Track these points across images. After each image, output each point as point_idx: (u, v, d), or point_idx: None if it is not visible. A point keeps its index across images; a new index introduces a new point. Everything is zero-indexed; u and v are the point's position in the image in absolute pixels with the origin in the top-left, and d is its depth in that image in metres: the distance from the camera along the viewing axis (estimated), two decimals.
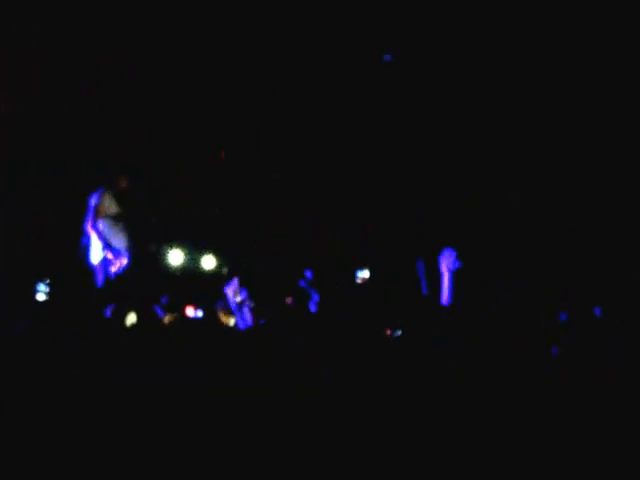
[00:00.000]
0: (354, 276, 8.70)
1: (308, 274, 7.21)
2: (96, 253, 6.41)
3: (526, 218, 8.79)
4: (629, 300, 6.81)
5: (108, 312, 5.97)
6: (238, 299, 6.16)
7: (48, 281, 6.57)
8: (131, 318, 6.30)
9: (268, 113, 9.01)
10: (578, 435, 3.77)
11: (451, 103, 8.94)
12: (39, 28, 8.01)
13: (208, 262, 7.89)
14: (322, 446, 3.59)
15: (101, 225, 6.42)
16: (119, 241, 6.51)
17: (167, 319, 6.14)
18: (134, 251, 6.61)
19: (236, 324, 6.41)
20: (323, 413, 4.03)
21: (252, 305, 6.43)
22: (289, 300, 6.91)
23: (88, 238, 6.46)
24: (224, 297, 6.36)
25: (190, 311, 6.85)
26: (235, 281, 6.12)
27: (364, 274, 8.83)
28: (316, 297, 6.93)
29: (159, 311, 6.42)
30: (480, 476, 3.41)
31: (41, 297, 6.72)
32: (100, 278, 6.31)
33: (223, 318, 6.49)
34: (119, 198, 6.61)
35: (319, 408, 4.10)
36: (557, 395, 4.40)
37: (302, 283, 7.12)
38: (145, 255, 6.86)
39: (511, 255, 8.62)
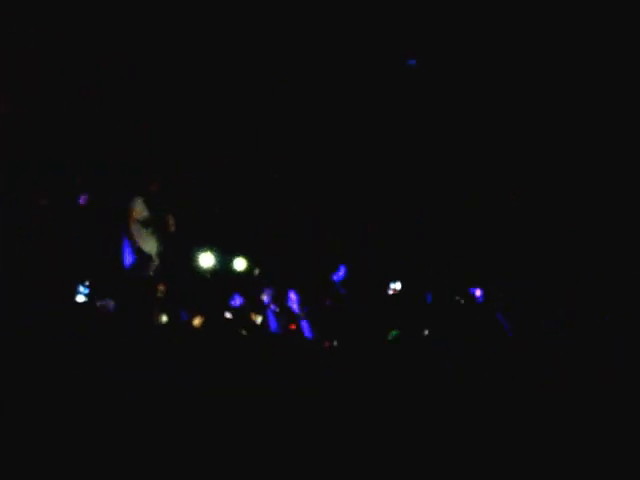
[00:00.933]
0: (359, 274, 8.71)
1: (341, 271, 7.23)
2: (127, 258, 6.41)
3: (526, 218, 8.79)
4: (629, 300, 6.80)
5: (138, 315, 6.00)
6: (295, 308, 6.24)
7: (87, 283, 6.52)
8: (162, 320, 6.31)
9: (280, 114, 9.03)
10: (578, 434, 3.77)
11: (452, 104, 8.94)
12: (39, 28, 8.00)
13: (239, 265, 7.80)
14: (334, 442, 3.60)
15: (132, 229, 6.42)
16: (149, 245, 6.51)
17: (196, 322, 6.14)
18: (164, 255, 6.61)
19: (265, 325, 6.44)
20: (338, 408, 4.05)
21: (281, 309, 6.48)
22: (327, 302, 6.94)
23: (119, 243, 6.46)
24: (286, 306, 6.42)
25: (219, 313, 6.83)
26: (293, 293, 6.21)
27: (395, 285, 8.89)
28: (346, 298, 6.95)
29: (186, 314, 6.42)
30: (480, 476, 3.41)
31: (80, 299, 6.65)
32: (131, 282, 6.32)
33: (252, 319, 6.52)
34: (150, 203, 6.59)
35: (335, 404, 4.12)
36: (557, 395, 4.40)
37: (335, 279, 7.13)
38: (175, 259, 6.84)
39: (511, 255, 8.62)
